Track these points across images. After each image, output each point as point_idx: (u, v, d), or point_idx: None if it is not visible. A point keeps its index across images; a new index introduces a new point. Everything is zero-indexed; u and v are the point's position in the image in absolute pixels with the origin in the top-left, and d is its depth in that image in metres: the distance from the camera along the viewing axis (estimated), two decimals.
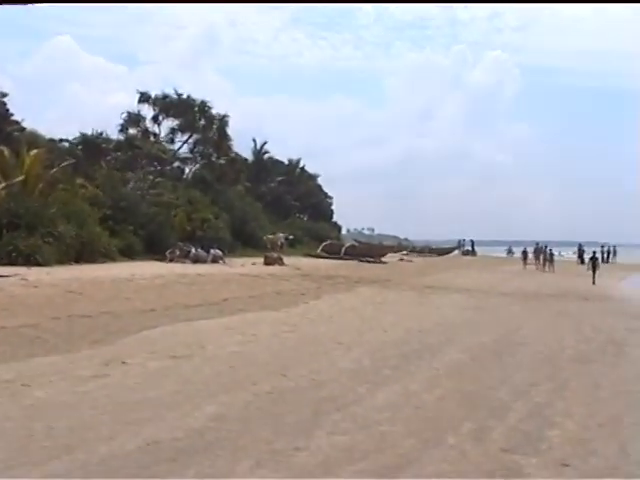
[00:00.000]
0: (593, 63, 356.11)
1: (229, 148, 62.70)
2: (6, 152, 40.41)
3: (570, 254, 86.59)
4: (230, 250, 51.80)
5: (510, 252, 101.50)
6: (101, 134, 57.86)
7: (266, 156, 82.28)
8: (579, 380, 14.16)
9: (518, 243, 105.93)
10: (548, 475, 8.29)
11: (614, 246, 74.40)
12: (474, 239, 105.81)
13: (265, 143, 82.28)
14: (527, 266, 63.25)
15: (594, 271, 47.88)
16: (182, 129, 60.04)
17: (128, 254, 42.58)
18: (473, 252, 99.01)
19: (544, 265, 60.58)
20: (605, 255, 70.25)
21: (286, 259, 47.98)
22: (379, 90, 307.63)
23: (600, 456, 9.15)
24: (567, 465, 8.68)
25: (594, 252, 53.35)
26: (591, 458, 9.04)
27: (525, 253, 67.23)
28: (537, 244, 65.24)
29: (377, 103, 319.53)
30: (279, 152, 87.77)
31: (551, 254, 62.31)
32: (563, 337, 19.92)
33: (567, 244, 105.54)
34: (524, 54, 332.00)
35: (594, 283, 45.27)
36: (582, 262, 73.24)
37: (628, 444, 9.80)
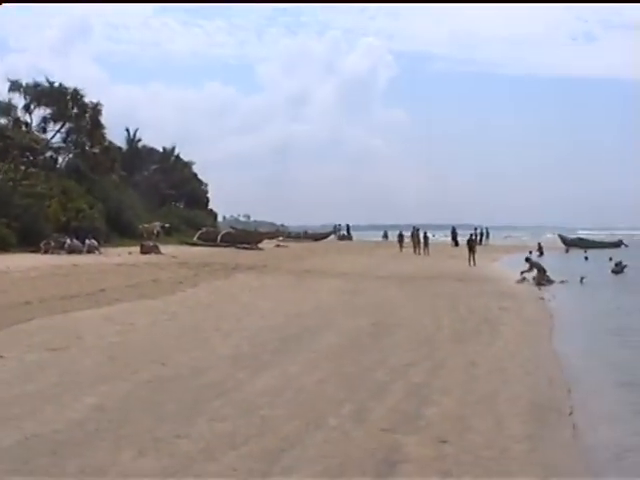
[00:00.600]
0: (466, 49, 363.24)
1: (103, 137, 61.65)
2: None
3: (442, 237, 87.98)
4: (106, 240, 51.12)
5: (386, 236, 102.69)
6: None
7: (140, 144, 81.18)
8: (455, 359, 14.48)
9: (394, 227, 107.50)
10: (427, 452, 8.45)
11: (486, 228, 76.13)
12: (350, 224, 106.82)
13: (137, 130, 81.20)
14: (403, 249, 64.07)
15: (472, 253, 48.79)
16: (54, 118, 58.79)
17: (1, 247, 41.60)
18: (349, 237, 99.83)
19: (419, 248, 61.33)
20: (478, 237, 71.56)
21: (163, 248, 47.65)
22: (253, 77, 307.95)
23: (477, 432, 9.38)
24: (445, 441, 8.86)
25: (471, 234, 54.55)
26: (468, 434, 9.26)
27: (401, 236, 68.01)
28: (414, 228, 65.99)
29: (252, 90, 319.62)
30: (154, 140, 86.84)
31: (426, 237, 63.24)
32: (439, 318, 20.29)
33: (441, 227, 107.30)
34: (398, 40, 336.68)
35: (474, 264, 46.47)
36: (456, 244, 74.73)
37: (503, 419, 10.08)
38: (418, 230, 64.55)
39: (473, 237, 54.73)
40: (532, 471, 8.06)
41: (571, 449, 9.14)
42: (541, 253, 60.52)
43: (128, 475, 7.49)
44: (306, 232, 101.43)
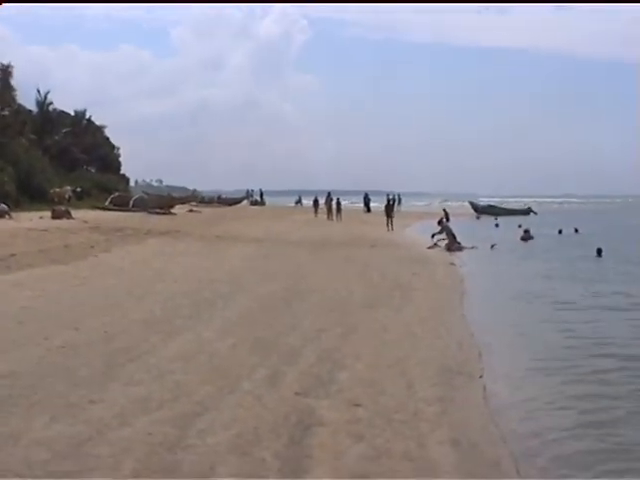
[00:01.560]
0: (379, 15, 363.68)
1: (13, 99, 60.16)
2: None
3: (349, 203, 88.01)
4: (16, 205, 49.98)
5: (299, 202, 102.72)
6: None
7: (51, 107, 79.44)
8: (367, 324, 14.62)
9: (306, 193, 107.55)
10: (340, 416, 8.55)
11: (399, 194, 76.65)
12: (263, 189, 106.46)
13: (48, 92, 79.44)
14: (318, 215, 64.27)
15: (390, 218, 49.98)
16: None
17: None
18: (262, 202, 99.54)
19: (332, 214, 61.50)
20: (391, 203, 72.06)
21: (74, 212, 46.78)
22: (168, 40, 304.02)
23: (389, 395, 9.54)
24: (358, 405, 8.99)
25: (389, 200, 54.85)
26: (380, 397, 9.40)
27: (316, 202, 68.17)
28: (328, 194, 66.03)
29: (166, 53, 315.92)
30: (66, 103, 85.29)
31: (338, 203, 63.43)
32: (351, 283, 20.43)
33: (350, 193, 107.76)
34: (311, 6, 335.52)
35: (392, 229, 47.99)
36: (368, 210, 75.24)
37: (415, 383, 10.24)
38: (331, 196, 64.72)
39: (391, 202, 55.00)
40: (443, 433, 8.22)
41: (481, 410, 9.34)
42: (447, 219, 61.38)
43: (41, 442, 7.40)
44: (219, 197, 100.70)
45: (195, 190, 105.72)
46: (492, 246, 34.69)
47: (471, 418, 8.96)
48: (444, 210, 63.76)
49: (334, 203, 63.07)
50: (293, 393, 9.42)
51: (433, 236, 35.18)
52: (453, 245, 34.12)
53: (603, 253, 30.70)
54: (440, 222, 36.95)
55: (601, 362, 12.30)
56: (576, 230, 45.95)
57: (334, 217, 60.83)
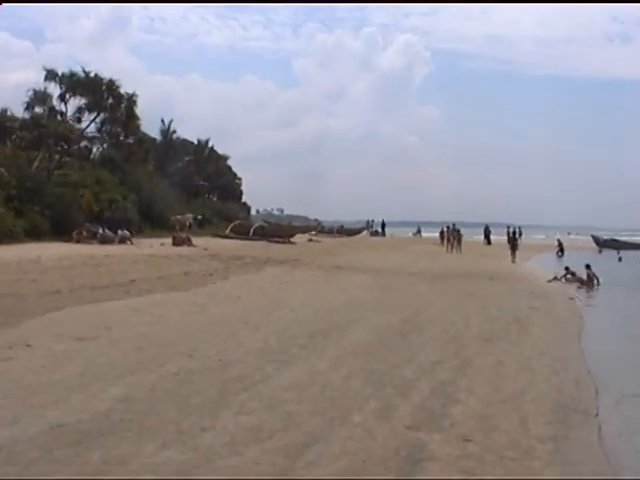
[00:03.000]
0: (500, 48, 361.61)
1: (137, 127, 61.64)
2: None
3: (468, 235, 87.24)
4: (138, 231, 51.43)
5: (418, 232, 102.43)
6: (5, 112, 56.71)
7: (175, 136, 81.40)
8: (483, 358, 14.44)
9: (426, 224, 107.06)
10: (451, 451, 8.46)
11: (519, 227, 75.72)
12: (383, 220, 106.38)
13: (172, 121, 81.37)
14: (444, 246, 63.99)
15: (514, 250, 50.85)
16: (89, 108, 58.67)
17: (34, 235, 41.91)
18: (382, 233, 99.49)
19: (452, 246, 61.15)
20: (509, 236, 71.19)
21: (194, 240, 47.81)
22: (289, 71, 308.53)
23: (501, 431, 9.38)
24: (469, 440, 8.87)
25: (513, 232, 55.21)
26: (493, 433, 9.25)
27: (442, 233, 67.87)
28: (453, 225, 65.95)
29: (288, 84, 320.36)
30: (188, 132, 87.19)
31: (459, 234, 63.15)
32: (468, 316, 20.24)
33: (469, 225, 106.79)
34: (434, 38, 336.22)
35: (515, 261, 48.33)
36: (489, 243, 74.56)
37: (528, 419, 10.06)
38: (454, 227, 64.65)
39: (515, 235, 55.35)
40: (555, 472, 8.05)
41: (595, 450, 9.11)
42: (562, 251, 60.84)
43: (150, 467, 7.54)
44: (340, 227, 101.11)
45: (316, 219, 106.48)
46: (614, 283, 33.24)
47: (585, 458, 8.76)
48: (558, 241, 63.30)
49: (456, 234, 62.66)
50: (404, 427, 9.35)
51: (567, 269, 34.48)
52: (573, 279, 33.45)
53: None
54: (588, 266, 34.37)
55: None
56: None
57: (453, 248, 60.39)
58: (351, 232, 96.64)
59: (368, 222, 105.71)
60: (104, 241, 43.38)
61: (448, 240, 62.76)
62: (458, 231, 63.48)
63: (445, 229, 68.01)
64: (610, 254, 63.60)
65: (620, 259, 54.38)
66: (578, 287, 31.60)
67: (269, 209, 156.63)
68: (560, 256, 60.18)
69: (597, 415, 10.68)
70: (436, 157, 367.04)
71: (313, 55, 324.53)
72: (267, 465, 7.71)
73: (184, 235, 48.39)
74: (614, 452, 9.11)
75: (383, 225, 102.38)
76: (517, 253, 50.85)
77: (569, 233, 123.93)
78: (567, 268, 35.14)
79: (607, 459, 8.79)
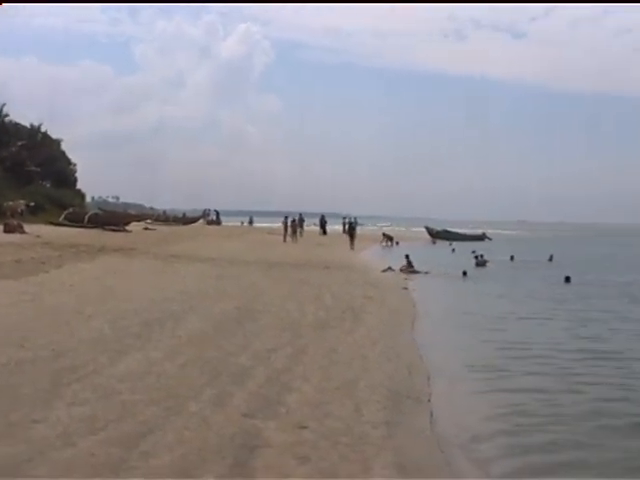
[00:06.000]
0: (339, 40, 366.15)
1: None
2: None
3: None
4: None
5: (251, 222, 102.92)
6: None
7: (7, 119, 78.75)
8: (317, 346, 14.61)
9: (262, 213, 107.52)
10: (286, 437, 8.53)
11: (355, 218, 76.80)
12: (219, 209, 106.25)
13: (4, 105, 78.69)
14: (274, 236, 64.33)
15: (352, 238, 54.44)
16: None
17: None
18: (218, 221, 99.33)
19: (291, 235, 61.47)
20: (348, 226, 72.31)
21: (27, 227, 46.39)
22: (129, 57, 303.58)
23: (336, 417, 9.54)
24: (304, 427, 8.98)
25: (350, 222, 56.89)
26: (327, 420, 9.40)
27: (286, 222, 68.23)
28: (300, 215, 67.14)
29: (126, 70, 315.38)
30: (24, 117, 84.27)
31: (301, 225, 64.26)
32: (303, 304, 20.42)
33: (308, 215, 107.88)
34: (273, 28, 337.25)
35: (353, 249, 50.86)
36: (324, 232, 75.47)
37: (362, 406, 10.25)
38: (300, 217, 65.96)
39: (353, 225, 57.26)
40: (388, 457, 8.23)
41: (427, 435, 9.39)
42: (391, 242, 62.95)
43: None
44: (175, 215, 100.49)
45: (152, 208, 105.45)
46: (464, 273, 34.32)
47: (417, 442, 9.01)
48: (383, 233, 65.39)
49: (289, 223, 63.17)
50: (240, 414, 9.38)
51: (407, 257, 35.63)
52: (407, 269, 34.35)
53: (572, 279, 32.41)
54: (407, 256, 36.58)
55: (546, 383, 12.48)
56: (550, 258, 46.93)
57: (289, 237, 60.68)
58: (187, 220, 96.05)
59: (205, 211, 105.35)
60: None
61: (292, 229, 62.95)
62: (302, 221, 64.34)
63: (285, 218, 68.31)
64: (444, 245, 65.59)
65: (453, 250, 56.00)
66: (405, 277, 32.26)
67: (105, 196, 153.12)
68: (390, 246, 61.69)
69: (429, 401, 11.00)
70: (275, 147, 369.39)
71: (153, 41, 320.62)
72: (102, 456, 7.58)
73: (16, 222, 46.90)
74: (445, 436, 9.42)
75: (217, 214, 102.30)
76: (355, 242, 52.33)
77: (402, 224, 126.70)
78: (407, 256, 36.16)
79: (438, 443, 9.07)
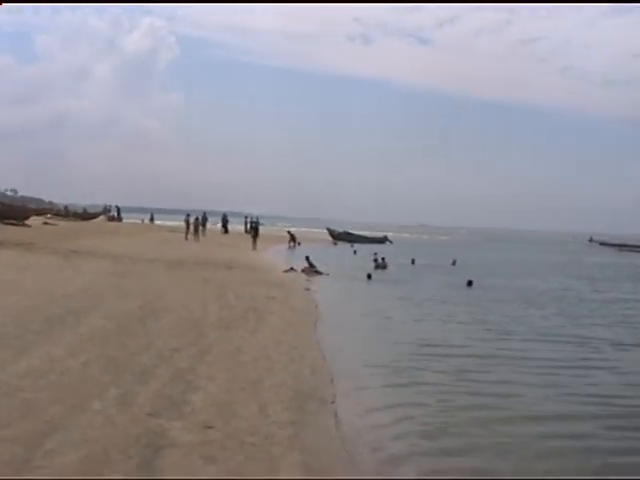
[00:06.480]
0: (245, 39, 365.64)
1: None
2: None
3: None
4: None
5: (152, 219, 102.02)
6: None
7: None
8: (221, 346, 14.61)
9: (163, 211, 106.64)
10: (192, 437, 8.53)
11: (257, 217, 76.73)
12: (120, 205, 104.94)
13: None
14: (175, 234, 63.83)
15: (255, 238, 54.55)
16: None
17: None
18: (119, 218, 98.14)
19: (194, 234, 61.03)
20: (250, 226, 72.19)
21: None
22: (31, 47, 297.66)
23: (242, 417, 9.59)
24: (210, 427, 9.00)
25: (253, 222, 57.08)
26: (233, 420, 9.44)
27: (188, 220, 67.57)
28: (204, 213, 67.01)
29: (27, 60, 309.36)
30: None
31: (204, 223, 64.08)
32: (207, 304, 20.35)
33: (212, 214, 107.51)
34: (179, 23, 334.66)
35: (256, 249, 51.22)
36: (226, 231, 75.32)
37: (268, 406, 10.31)
38: (204, 215, 65.81)
39: (254, 225, 57.53)
40: (294, 457, 8.30)
41: (332, 435, 9.50)
42: (294, 242, 63.39)
43: None
44: (75, 211, 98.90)
45: (51, 202, 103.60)
46: (369, 276, 34.66)
47: (322, 443, 9.11)
48: (289, 232, 65.74)
49: (191, 221, 62.82)
50: (145, 414, 9.34)
51: (308, 258, 35.84)
52: (309, 270, 34.53)
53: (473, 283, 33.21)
54: (307, 258, 36.82)
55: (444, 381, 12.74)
56: (454, 262, 47.89)
57: (192, 236, 60.26)
58: (88, 216, 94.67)
59: (106, 207, 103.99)
60: None
61: (195, 228, 62.43)
62: (205, 219, 64.17)
63: (187, 216, 67.78)
64: (346, 247, 66.14)
65: (355, 252, 56.45)
66: (307, 278, 32.43)
67: (2, 189, 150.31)
68: (292, 247, 61.88)
69: (333, 402, 11.11)
70: (178, 143, 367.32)
71: (56, 32, 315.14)
72: (5, 455, 7.47)
73: None
74: (349, 436, 9.54)
75: (119, 210, 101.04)
76: (257, 242, 52.66)
77: (305, 226, 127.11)
78: (308, 257, 36.32)
79: (343, 443, 9.18)
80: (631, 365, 16.24)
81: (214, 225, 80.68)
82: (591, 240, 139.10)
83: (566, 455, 9.55)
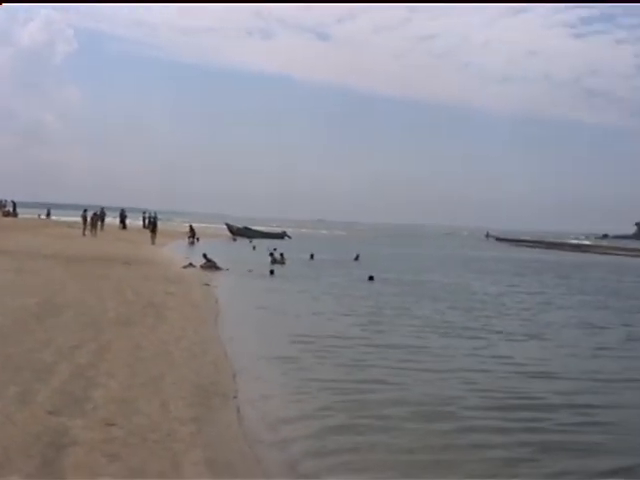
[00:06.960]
0: (147, 34, 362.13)
1: None
2: None
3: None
4: None
5: (49, 214, 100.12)
6: None
7: None
8: (121, 342, 14.51)
9: (60, 206, 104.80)
10: (94, 435, 8.47)
11: (155, 213, 76.04)
12: (18, 200, 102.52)
13: None
14: (74, 230, 62.87)
15: (154, 233, 55.47)
16: None
17: None
18: (14, 213, 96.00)
19: (87, 229, 60.14)
20: (148, 221, 71.46)
21: None
22: None
23: (143, 414, 9.56)
24: (112, 424, 8.94)
25: (151, 217, 57.30)
26: (135, 417, 9.40)
27: (85, 216, 66.25)
28: (102, 209, 66.44)
29: None
30: None
31: (102, 218, 63.38)
32: (105, 300, 20.16)
33: (109, 209, 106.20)
34: (77, 16, 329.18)
35: (154, 244, 52.30)
36: (124, 227, 74.50)
37: (169, 402, 10.30)
38: (102, 211, 65.20)
39: (153, 220, 57.52)
40: (197, 453, 8.32)
41: (235, 430, 9.55)
42: (194, 236, 63.35)
43: None
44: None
45: None
46: (271, 272, 34.85)
47: (225, 438, 9.15)
48: (190, 227, 65.65)
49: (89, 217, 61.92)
50: (45, 412, 9.22)
51: (205, 256, 35.66)
52: (208, 265, 34.44)
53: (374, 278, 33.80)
54: (205, 255, 36.65)
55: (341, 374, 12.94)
56: (357, 257, 48.45)
57: (89, 232, 59.38)
58: None
59: (0, 201, 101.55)
60: None
61: (92, 224, 61.39)
62: (103, 215, 63.52)
63: (84, 212, 66.69)
64: (245, 242, 66.17)
65: (254, 247, 56.42)
66: (206, 273, 32.38)
67: None
68: (192, 242, 61.60)
69: (235, 397, 11.15)
70: (74, 138, 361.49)
71: None
72: None
73: None
74: (252, 431, 9.61)
75: (14, 205, 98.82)
76: (156, 237, 53.07)
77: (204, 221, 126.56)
78: (205, 255, 36.13)
79: (246, 438, 9.25)
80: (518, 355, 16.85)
81: (114, 219, 79.72)
82: (487, 235, 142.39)
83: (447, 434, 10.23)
